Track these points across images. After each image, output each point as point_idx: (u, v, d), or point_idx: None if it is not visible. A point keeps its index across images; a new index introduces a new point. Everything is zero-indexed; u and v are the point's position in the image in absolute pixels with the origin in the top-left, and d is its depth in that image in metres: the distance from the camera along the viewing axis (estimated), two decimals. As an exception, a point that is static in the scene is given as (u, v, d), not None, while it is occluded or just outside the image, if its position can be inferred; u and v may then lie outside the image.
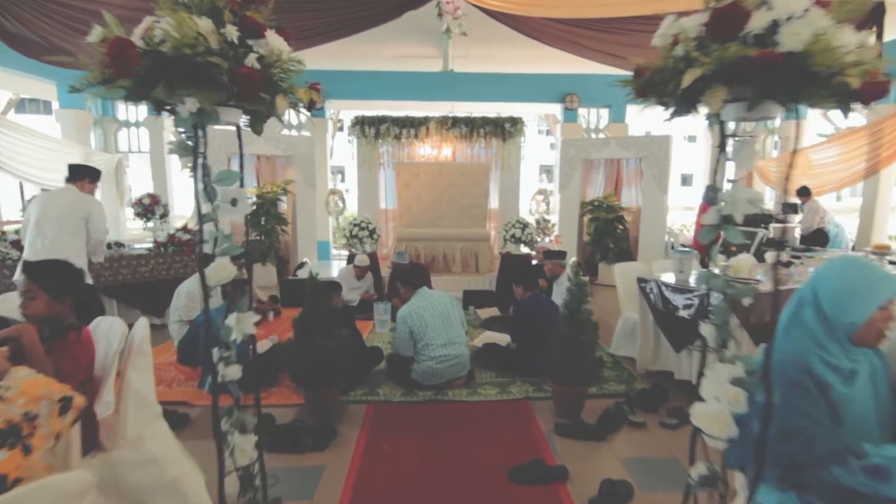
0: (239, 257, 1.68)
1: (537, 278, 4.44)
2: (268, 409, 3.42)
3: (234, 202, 1.40)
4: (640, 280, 4.12)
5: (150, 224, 5.72)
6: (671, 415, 3.40)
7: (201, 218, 1.40)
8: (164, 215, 5.83)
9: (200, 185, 1.38)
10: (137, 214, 5.74)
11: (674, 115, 1.49)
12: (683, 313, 3.74)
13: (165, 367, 4.35)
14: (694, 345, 3.71)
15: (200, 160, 1.36)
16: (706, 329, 1.54)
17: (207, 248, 1.44)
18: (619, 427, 3.27)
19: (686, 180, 31.93)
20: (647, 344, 4.14)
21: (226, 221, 1.48)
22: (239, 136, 1.58)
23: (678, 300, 3.80)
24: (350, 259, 6.30)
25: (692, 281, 3.94)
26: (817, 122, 9.37)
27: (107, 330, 2.51)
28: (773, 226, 7.05)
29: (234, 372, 1.51)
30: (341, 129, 13.33)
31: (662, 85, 1.27)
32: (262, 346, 4.52)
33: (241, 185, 1.60)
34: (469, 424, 3.35)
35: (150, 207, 5.64)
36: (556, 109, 9.61)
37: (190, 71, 1.21)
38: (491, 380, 4.03)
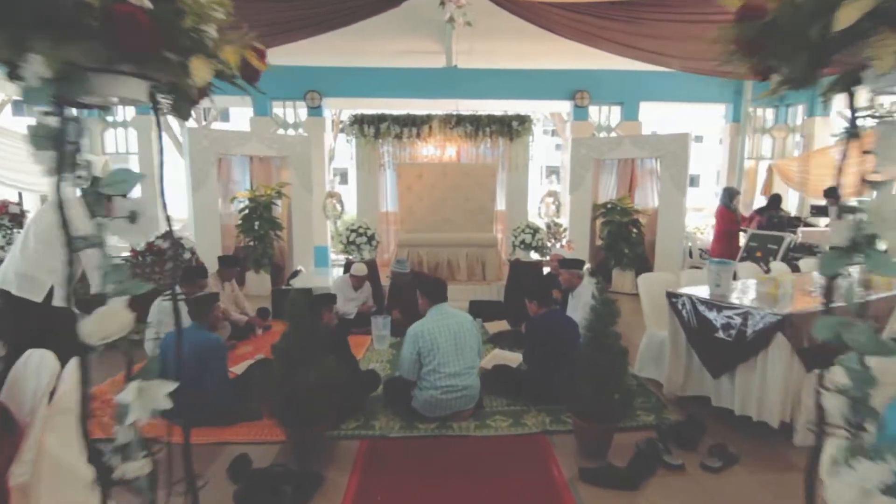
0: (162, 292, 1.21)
1: (552, 291, 3.97)
2: (245, 448, 2.97)
3: (133, 217, 0.95)
4: (671, 295, 3.64)
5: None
6: (714, 454, 2.92)
7: (70, 242, 0.94)
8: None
9: (75, 192, 0.92)
10: None
11: (783, 84, 1.02)
12: (722, 334, 3.26)
13: (138, 391, 3.89)
14: (736, 371, 3.23)
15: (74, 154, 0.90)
16: (831, 401, 1.06)
17: (94, 287, 0.98)
18: (653, 470, 2.79)
19: (693, 181, 31.41)
20: (678, 366, 3.65)
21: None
22: (158, 123, 1.12)
23: (716, 319, 3.32)
24: (347, 267, 5.83)
25: (733, 297, 3.46)
26: (839, 121, 8.84)
27: (36, 365, 2.06)
28: (801, 230, 6.54)
29: (136, 468, 1.04)
30: (343, 130, 12.87)
31: (795, 30, 0.80)
32: (245, 367, 4.08)
33: (162, 196, 1.14)
34: (478, 465, 2.88)
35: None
36: (565, 107, 9.14)
37: (41, 12, 0.75)
38: (502, 408, 3.55)
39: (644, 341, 4.06)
